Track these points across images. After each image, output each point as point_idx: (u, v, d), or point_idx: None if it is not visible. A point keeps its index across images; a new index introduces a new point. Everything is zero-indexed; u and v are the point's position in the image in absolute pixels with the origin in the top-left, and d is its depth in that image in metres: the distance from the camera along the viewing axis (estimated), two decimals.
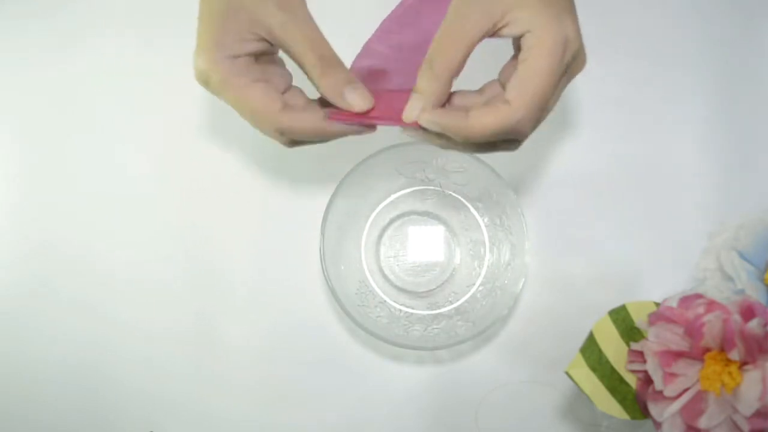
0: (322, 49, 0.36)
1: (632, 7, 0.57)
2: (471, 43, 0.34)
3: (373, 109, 0.37)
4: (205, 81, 0.37)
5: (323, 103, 0.38)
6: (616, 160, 0.56)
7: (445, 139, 0.36)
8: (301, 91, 0.39)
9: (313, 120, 0.37)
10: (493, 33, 0.35)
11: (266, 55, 0.38)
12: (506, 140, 0.36)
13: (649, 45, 0.57)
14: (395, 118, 0.36)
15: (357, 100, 0.36)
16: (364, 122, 0.37)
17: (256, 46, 0.36)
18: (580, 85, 0.56)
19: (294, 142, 0.38)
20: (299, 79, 0.39)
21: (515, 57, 0.36)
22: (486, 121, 0.34)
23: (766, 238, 0.48)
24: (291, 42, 0.36)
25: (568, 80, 0.37)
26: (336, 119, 0.37)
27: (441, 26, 0.35)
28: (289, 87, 0.39)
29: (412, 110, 0.36)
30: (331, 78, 0.36)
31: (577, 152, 0.56)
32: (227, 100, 0.37)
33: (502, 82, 0.37)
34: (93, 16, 0.58)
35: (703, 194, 0.55)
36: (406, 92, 0.36)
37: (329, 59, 0.36)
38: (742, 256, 0.48)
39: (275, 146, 0.55)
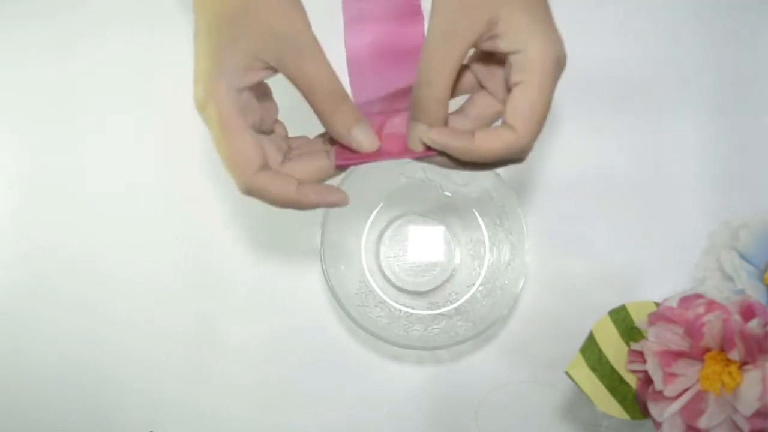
0: (332, 81, 0.34)
1: (633, 10, 0.57)
2: (461, 58, 0.34)
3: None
4: (202, 108, 0.34)
5: (329, 140, 0.37)
6: (616, 160, 0.56)
7: (448, 158, 0.36)
8: (282, 138, 0.38)
9: (286, 187, 0.35)
10: (479, 45, 0.34)
11: (263, 86, 0.36)
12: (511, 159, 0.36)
13: (649, 46, 0.57)
14: (400, 151, 0.36)
15: (365, 140, 0.36)
16: (371, 160, 0.36)
17: (263, 75, 0.34)
18: (580, 87, 0.56)
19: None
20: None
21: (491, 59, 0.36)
22: (493, 146, 0.34)
23: (766, 238, 0.48)
24: (301, 73, 0.34)
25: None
26: (343, 162, 0.36)
27: (426, 45, 0.34)
28: (273, 124, 0.37)
29: (416, 140, 0.35)
30: (341, 115, 0.35)
31: (578, 152, 0.56)
32: (213, 137, 0.34)
33: (484, 84, 0.37)
34: (94, 16, 0.58)
35: (703, 194, 0.55)
36: (396, 113, 0.36)
37: (339, 93, 0.35)
38: (742, 256, 0.48)
39: None
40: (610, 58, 0.57)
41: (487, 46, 0.34)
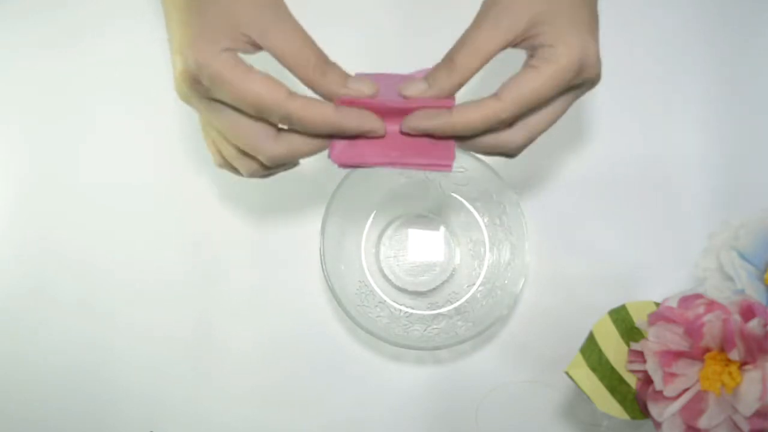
0: (314, 49, 0.35)
1: (634, 11, 0.57)
2: (495, 50, 0.34)
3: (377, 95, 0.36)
4: (194, 78, 0.34)
5: None
6: (616, 160, 0.56)
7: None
8: None
9: (324, 108, 0.34)
10: (516, 44, 0.35)
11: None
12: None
13: (650, 48, 0.57)
14: (402, 107, 0.36)
15: (363, 84, 0.35)
16: (373, 104, 0.36)
17: (245, 49, 0.34)
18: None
19: (275, 163, 0.36)
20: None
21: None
22: (472, 114, 0.35)
23: (766, 238, 0.48)
24: (284, 45, 0.34)
25: (576, 98, 0.37)
26: (348, 103, 0.35)
27: (469, 28, 0.35)
28: None
29: (417, 87, 0.35)
30: (331, 75, 0.35)
31: (577, 152, 0.56)
32: (224, 95, 0.34)
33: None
34: (93, 13, 0.57)
35: (703, 194, 0.55)
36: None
37: (323, 58, 0.35)
38: (742, 256, 0.48)
39: None
40: (610, 59, 0.57)
41: (522, 45, 0.35)
